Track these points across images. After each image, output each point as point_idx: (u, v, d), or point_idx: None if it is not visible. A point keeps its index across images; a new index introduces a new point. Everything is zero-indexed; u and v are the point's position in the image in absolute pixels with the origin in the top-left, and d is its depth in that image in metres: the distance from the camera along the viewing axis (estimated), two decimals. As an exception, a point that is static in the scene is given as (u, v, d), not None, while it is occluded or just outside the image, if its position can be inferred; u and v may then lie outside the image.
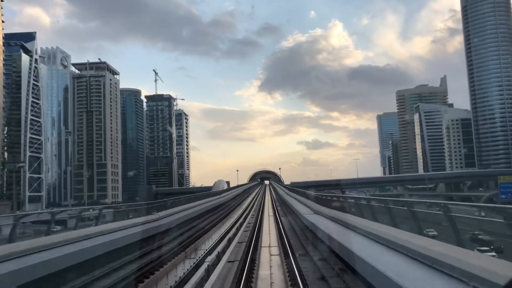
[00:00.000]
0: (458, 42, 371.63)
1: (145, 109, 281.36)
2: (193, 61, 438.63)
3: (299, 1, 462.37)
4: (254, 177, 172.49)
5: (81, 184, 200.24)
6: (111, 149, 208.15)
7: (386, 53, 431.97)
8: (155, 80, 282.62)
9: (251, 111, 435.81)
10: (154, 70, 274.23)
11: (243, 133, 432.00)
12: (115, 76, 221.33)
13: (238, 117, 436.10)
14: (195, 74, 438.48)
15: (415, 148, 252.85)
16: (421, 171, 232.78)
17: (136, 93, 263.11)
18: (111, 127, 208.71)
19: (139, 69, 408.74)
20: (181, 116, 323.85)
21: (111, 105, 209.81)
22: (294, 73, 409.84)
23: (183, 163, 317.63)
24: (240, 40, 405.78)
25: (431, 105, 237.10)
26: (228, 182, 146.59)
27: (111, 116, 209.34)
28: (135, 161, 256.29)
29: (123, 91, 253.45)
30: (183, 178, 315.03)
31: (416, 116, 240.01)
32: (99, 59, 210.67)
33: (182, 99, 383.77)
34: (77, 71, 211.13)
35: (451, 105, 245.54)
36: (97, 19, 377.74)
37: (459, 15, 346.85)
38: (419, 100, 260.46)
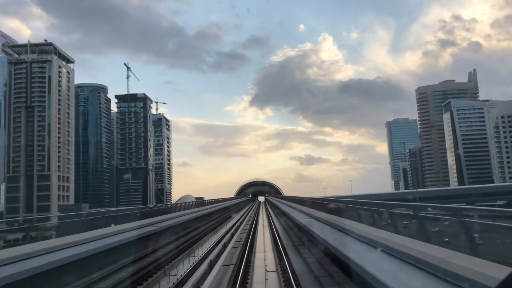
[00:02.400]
0: (449, 54, 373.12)
1: (115, 111, 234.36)
2: (180, 74, 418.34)
3: (287, 14, 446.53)
4: (243, 191, 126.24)
5: (16, 201, 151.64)
6: (59, 157, 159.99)
7: (377, 67, 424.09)
8: (127, 77, 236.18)
9: (243, 126, 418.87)
10: (125, 64, 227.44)
11: (235, 149, 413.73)
12: (69, 64, 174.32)
13: (230, 133, 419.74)
14: (183, 88, 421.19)
15: (443, 156, 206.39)
16: (453, 184, 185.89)
17: (101, 89, 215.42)
18: (59, 127, 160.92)
19: (124, 83, 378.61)
20: (161, 122, 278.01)
21: (59, 100, 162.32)
22: (284, 88, 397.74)
23: (163, 176, 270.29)
24: (227, 53, 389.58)
25: (467, 101, 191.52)
26: (201, 198, 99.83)
27: (59, 114, 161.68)
28: (98, 173, 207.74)
29: (84, 86, 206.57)
30: (162, 193, 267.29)
31: (445, 116, 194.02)
32: (45, 40, 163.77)
33: (163, 103, 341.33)
34: (16, 55, 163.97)
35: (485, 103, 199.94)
36: (79, 32, 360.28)
37: (450, 26, 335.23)
38: (444, 98, 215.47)
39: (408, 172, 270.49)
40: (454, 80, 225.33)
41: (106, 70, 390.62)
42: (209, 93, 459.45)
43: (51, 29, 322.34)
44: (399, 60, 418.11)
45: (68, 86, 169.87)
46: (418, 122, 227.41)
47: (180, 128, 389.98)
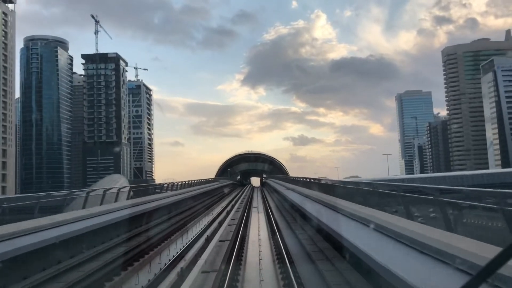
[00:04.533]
0: (444, 31, 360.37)
1: (82, 74, 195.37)
2: (167, 51, 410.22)
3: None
4: (227, 169, 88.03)
5: None
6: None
7: (371, 46, 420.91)
8: (95, 32, 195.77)
9: (235, 106, 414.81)
10: (92, 16, 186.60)
11: (228, 129, 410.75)
12: (8, 5, 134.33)
13: (222, 112, 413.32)
14: (171, 66, 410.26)
15: (476, 131, 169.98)
16: (494, 165, 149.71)
17: (60, 44, 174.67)
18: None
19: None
20: (139, 90, 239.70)
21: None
22: (277, 67, 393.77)
23: (142, 152, 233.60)
24: (215, 29, 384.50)
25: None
26: (148, 182, 61.36)
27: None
28: (54, 146, 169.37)
29: (37, 39, 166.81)
30: (142, 173, 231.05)
31: (485, 79, 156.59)
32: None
33: (144, 69, 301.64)
34: None
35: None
36: (60, 4, 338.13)
37: (445, 2, 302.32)
38: (475, 61, 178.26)
39: (425, 151, 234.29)
40: (489, 39, 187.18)
41: (91, 46, 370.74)
42: (199, 71, 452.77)
43: (31, 1, 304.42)
44: (393, 39, 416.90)
45: (5, 32, 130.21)
46: (445, 90, 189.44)
47: (172, 107, 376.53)
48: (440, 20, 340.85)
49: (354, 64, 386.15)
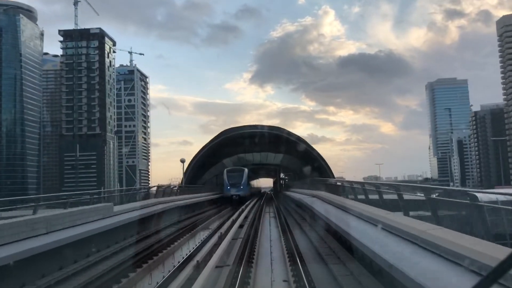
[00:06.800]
0: (456, 26, 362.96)
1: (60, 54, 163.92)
2: (171, 48, 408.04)
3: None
4: (209, 162, 46.39)
5: None
6: None
7: (380, 43, 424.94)
8: (75, 3, 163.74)
9: (244, 104, 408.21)
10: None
11: None
12: None
13: (231, 111, 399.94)
14: (177, 64, 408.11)
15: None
16: None
17: (25, 12, 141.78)
18: None
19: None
20: (132, 76, 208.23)
21: None
22: (285, 65, 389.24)
23: (135, 149, 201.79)
24: (219, 25, 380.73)
25: None
26: None
27: None
28: (14, 139, 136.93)
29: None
30: (135, 172, 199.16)
31: None
32: None
33: (140, 54, 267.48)
34: None
35: None
36: (61, 1, 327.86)
37: None
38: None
39: (466, 147, 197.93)
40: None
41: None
42: (206, 69, 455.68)
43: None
44: (403, 36, 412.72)
45: None
46: (501, 69, 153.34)
47: (180, 106, 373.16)
48: (451, 14, 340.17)
49: (363, 61, 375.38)
